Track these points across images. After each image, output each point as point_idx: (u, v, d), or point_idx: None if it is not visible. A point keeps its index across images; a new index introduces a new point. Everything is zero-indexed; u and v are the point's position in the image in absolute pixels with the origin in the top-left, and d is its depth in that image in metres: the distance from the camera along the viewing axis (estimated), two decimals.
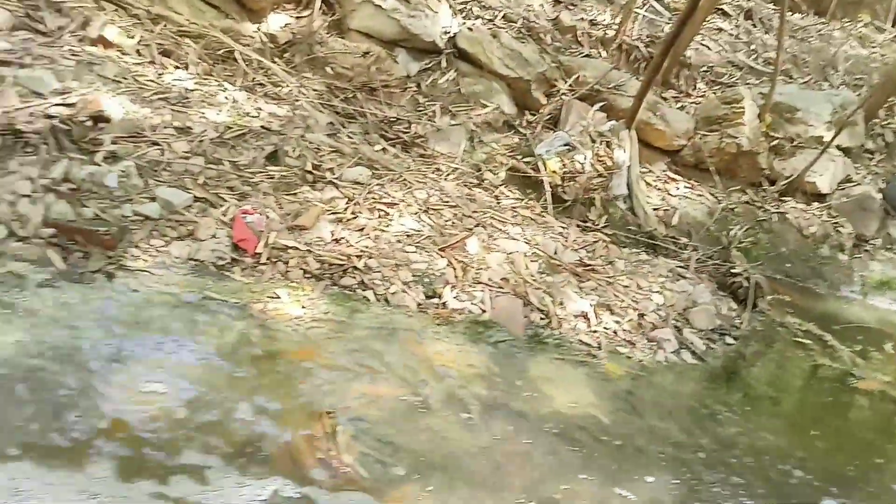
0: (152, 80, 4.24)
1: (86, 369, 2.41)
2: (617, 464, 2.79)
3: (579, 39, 6.45)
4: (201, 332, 2.80)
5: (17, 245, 2.80)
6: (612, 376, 3.40)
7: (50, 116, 3.47)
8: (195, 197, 3.44)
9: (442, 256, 3.80)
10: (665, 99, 6.20)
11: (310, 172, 4.04)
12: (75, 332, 2.54)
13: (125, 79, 4.12)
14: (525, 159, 5.16)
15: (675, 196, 5.58)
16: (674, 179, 5.79)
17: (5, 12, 4.11)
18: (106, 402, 2.30)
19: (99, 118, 3.61)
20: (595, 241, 4.60)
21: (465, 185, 4.74)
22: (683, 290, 4.32)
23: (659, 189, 5.60)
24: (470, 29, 5.72)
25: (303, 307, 3.14)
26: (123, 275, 2.90)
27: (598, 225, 4.92)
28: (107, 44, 4.38)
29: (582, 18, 6.68)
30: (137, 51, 4.48)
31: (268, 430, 2.43)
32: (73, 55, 4.09)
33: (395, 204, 4.08)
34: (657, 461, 2.88)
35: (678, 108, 6.16)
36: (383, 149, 4.71)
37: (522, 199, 4.88)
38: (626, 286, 4.17)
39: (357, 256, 3.54)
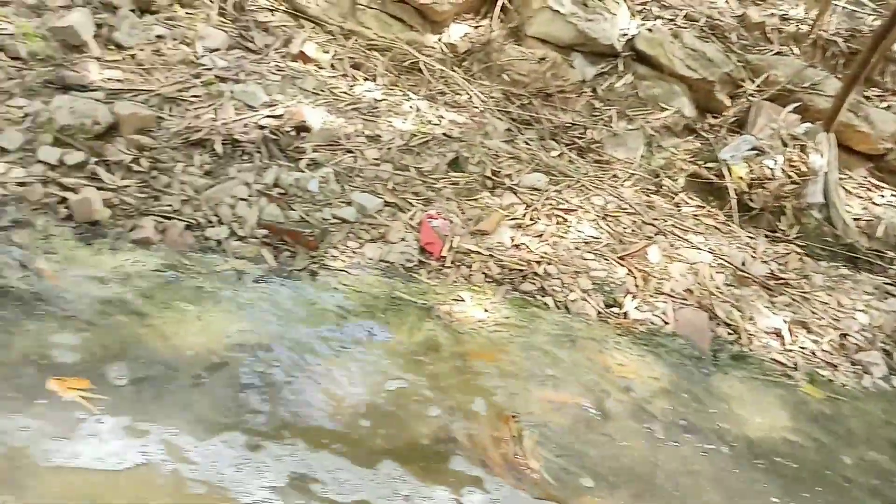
0: (345, 92, 4.54)
1: (298, 357, 2.64)
2: (820, 495, 2.58)
3: (768, 36, 6.03)
4: (394, 330, 2.96)
5: (237, 244, 3.11)
6: (812, 400, 3.16)
7: (261, 127, 3.82)
8: (385, 202, 3.63)
9: (622, 265, 3.72)
10: (868, 98, 5.64)
11: (489, 178, 4.12)
12: (286, 323, 2.79)
13: (322, 91, 4.45)
14: (707, 165, 4.92)
15: (879, 205, 5.07)
16: (878, 187, 5.26)
17: (223, 34, 4.59)
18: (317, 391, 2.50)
19: (302, 128, 3.93)
20: (787, 253, 4.29)
21: (644, 192, 4.61)
22: (892, 309, 3.91)
23: (861, 197, 5.11)
24: (649, 30, 5.55)
25: (485, 311, 3.21)
26: (325, 273, 3.13)
27: (789, 235, 4.58)
28: (306, 59, 4.74)
29: (772, 14, 6.25)
30: (332, 64, 4.82)
31: (458, 428, 2.51)
32: (278, 70, 4.47)
33: (573, 210, 4.06)
34: (866, 494, 2.64)
35: (884, 108, 5.58)
36: (560, 154, 4.70)
37: (704, 207, 4.65)
38: (825, 303, 3.85)
39: (537, 262, 3.57)
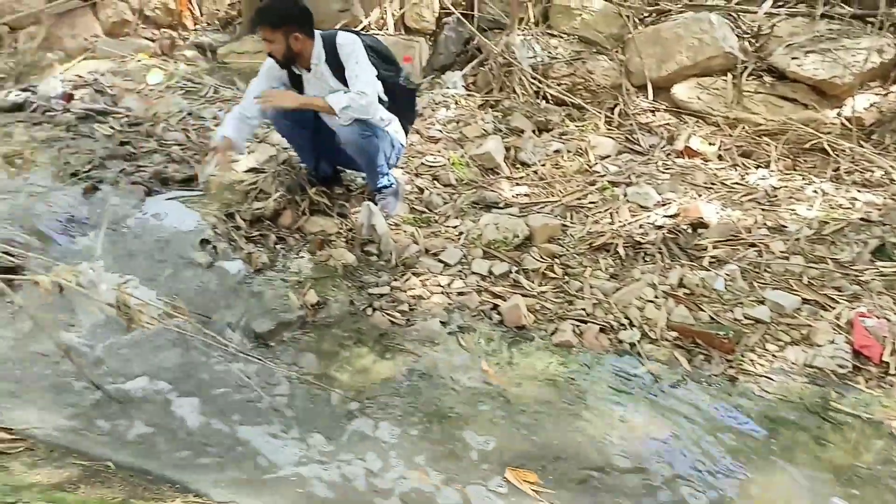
0: (738, 183, 4.40)
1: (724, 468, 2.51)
2: None
3: None
4: (827, 447, 2.64)
5: (650, 346, 3.14)
6: None
7: (658, 227, 3.88)
8: (803, 299, 3.34)
9: None
10: None
11: None
12: (709, 431, 2.69)
13: (713, 184, 4.38)
14: None
15: None
16: None
17: (611, 141, 4.86)
18: None
19: (698, 224, 3.88)
20: None
21: None
22: None
23: None
24: None
25: None
26: (744, 378, 2.96)
27: None
28: (692, 153, 4.74)
29: None
30: (719, 156, 4.73)
31: None
32: (666, 168, 4.55)
33: None
34: None
35: None
36: None
37: None
38: None
39: None
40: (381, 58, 3.67)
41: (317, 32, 3.56)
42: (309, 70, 3.60)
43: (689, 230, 3.89)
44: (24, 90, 5.87)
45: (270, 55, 3.56)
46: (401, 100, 3.82)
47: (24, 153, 4.10)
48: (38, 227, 3.71)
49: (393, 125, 3.80)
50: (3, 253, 3.19)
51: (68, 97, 5.56)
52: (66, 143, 4.75)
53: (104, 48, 6.60)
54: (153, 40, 6.70)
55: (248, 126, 3.83)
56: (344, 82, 3.55)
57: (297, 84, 3.72)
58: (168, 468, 2.33)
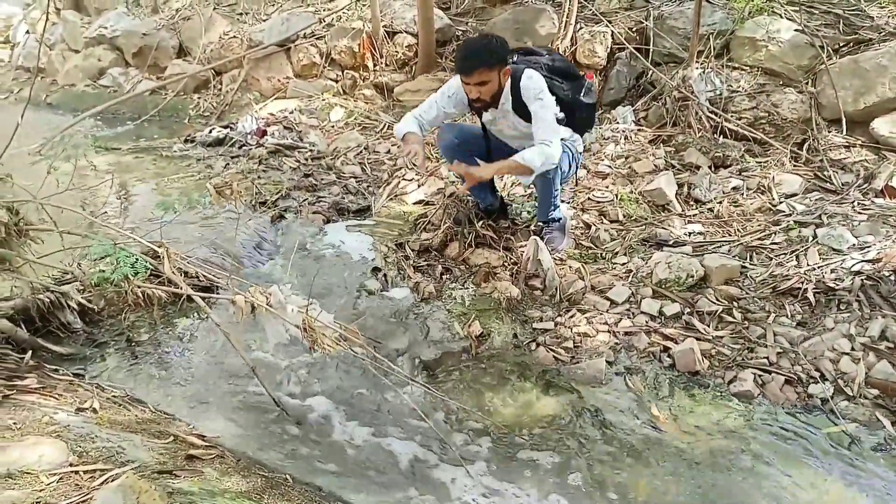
0: None
1: None
2: None
3: None
4: None
5: (845, 403, 2.82)
6: None
7: (854, 272, 3.51)
8: None
9: None
10: None
11: None
12: None
13: None
14: None
15: None
16: None
17: (798, 178, 4.50)
18: None
19: None
20: None
21: None
22: None
23: None
24: None
25: None
26: None
27: None
28: (893, 193, 4.27)
29: None
30: None
31: None
32: (863, 209, 4.12)
33: None
34: None
35: None
36: None
37: None
38: None
39: None
40: (563, 75, 3.62)
41: None
42: (496, 107, 3.62)
43: (893, 277, 3.47)
44: (225, 127, 6.56)
45: (477, 100, 3.49)
46: (580, 114, 3.74)
47: (231, 184, 4.53)
48: (230, 250, 4.08)
49: (570, 139, 3.75)
50: (203, 273, 3.53)
51: (262, 133, 6.12)
52: (258, 174, 5.22)
53: (294, 88, 7.21)
54: (337, 81, 7.21)
55: (423, 131, 3.79)
56: (523, 116, 3.55)
57: (477, 113, 3.77)
58: (335, 486, 2.42)
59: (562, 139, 3.55)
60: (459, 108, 3.70)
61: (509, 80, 3.47)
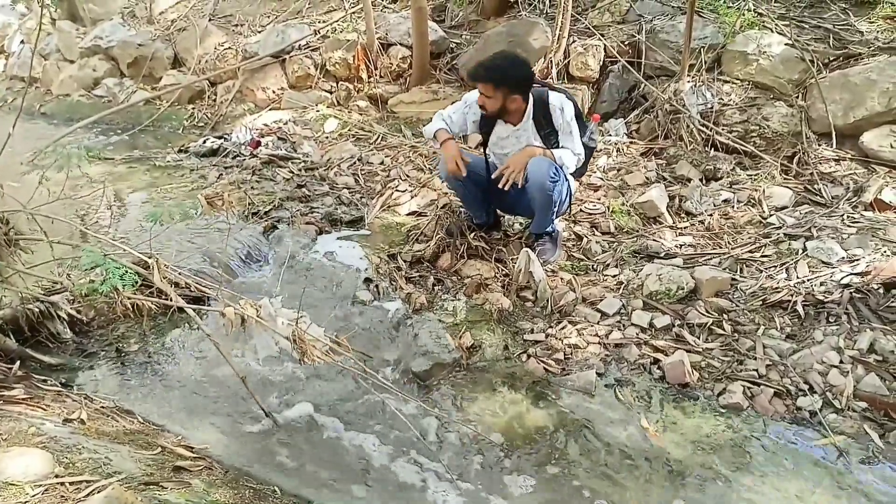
0: None
1: None
2: None
3: None
4: None
5: (834, 416, 2.83)
6: None
7: (844, 285, 3.53)
8: None
9: None
10: None
11: None
12: None
13: None
14: None
15: None
16: None
17: (787, 191, 4.53)
18: None
19: (892, 284, 3.48)
20: None
21: None
22: None
23: None
24: None
25: None
26: None
27: None
28: (883, 206, 4.30)
29: None
30: None
31: None
32: (852, 222, 4.15)
33: None
34: None
35: None
36: None
37: None
38: None
39: None
40: (577, 114, 3.69)
41: None
42: (515, 125, 3.67)
43: (882, 290, 3.49)
44: (219, 137, 6.56)
45: (481, 107, 3.62)
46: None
47: (223, 195, 4.54)
48: (222, 260, 4.08)
49: (570, 178, 3.81)
50: (194, 284, 3.53)
51: (256, 144, 6.13)
52: (251, 184, 5.22)
53: (289, 99, 7.23)
54: (331, 92, 7.23)
55: (451, 132, 3.83)
56: (543, 138, 3.60)
57: (487, 127, 3.80)
58: (325, 497, 2.41)
59: (568, 169, 3.67)
60: (472, 119, 3.81)
61: (530, 98, 3.58)
